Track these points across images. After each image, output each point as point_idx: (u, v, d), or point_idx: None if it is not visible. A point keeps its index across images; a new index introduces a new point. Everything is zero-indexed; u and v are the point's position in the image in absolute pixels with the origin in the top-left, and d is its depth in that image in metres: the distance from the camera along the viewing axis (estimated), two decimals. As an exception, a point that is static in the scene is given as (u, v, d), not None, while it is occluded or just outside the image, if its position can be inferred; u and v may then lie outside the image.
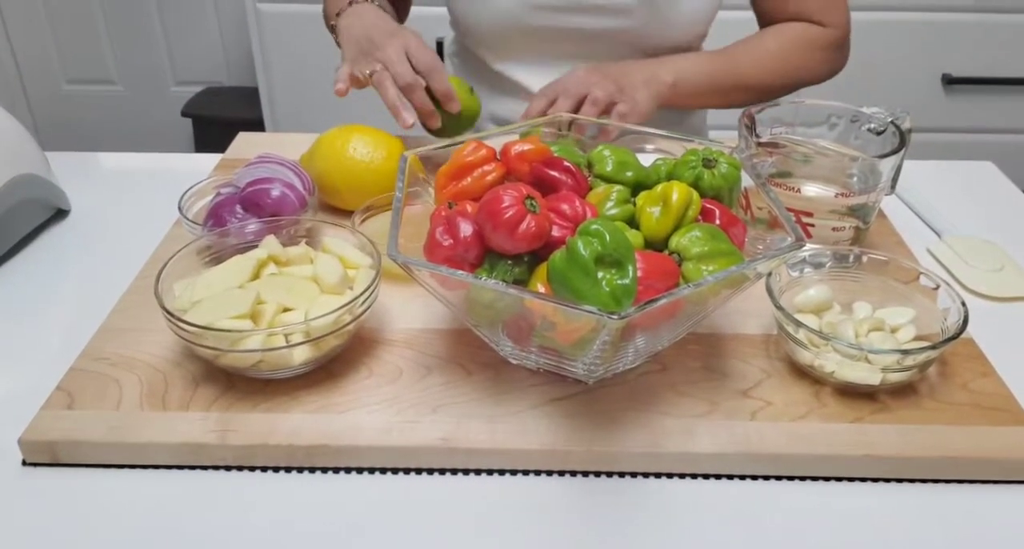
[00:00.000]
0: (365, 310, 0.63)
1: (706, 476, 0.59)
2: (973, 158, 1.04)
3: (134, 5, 2.32)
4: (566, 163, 0.64)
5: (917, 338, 0.65)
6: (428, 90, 0.86)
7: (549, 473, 0.59)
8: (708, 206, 0.62)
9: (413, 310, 0.71)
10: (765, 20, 1.04)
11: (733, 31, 1.03)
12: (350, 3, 0.96)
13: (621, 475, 0.59)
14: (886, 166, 0.75)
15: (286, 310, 0.63)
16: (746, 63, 0.97)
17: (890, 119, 0.78)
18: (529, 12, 0.98)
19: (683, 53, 0.97)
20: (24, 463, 0.59)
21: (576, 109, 0.87)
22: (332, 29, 0.98)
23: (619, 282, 0.52)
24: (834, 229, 0.77)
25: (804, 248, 0.63)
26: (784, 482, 0.58)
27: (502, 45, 1.03)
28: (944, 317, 0.65)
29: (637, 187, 0.65)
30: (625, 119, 0.87)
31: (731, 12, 1.08)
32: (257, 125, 2.04)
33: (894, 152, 0.75)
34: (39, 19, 2.35)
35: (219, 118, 2.26)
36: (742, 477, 0.59)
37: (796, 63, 0.99)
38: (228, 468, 0.59)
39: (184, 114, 2.29)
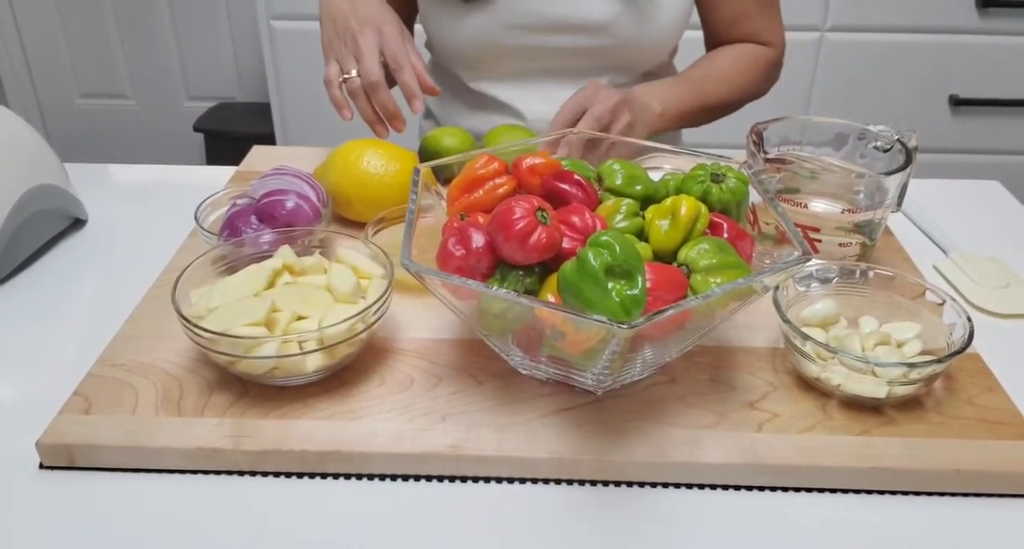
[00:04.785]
0: (377, 319, 0.64)
1: (713, 487, 0.59)
2: (980, 179, 1.05)
3: (148, 21, 2.35)
4: (576, 176, 0.65)
5: (923, 353, 0.66)
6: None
7: (557, 482, 0.59)
8: (716, 220, 0.63)
9: (424, 320, 0.72)
10: (713, 41, 1.09)
11: (696, 49, 1.08)
12: None
13: (628, 485, 0.59)
14: (892, 183, 0.76)
15: (300, 318, 0.64)
16: (711, 86, 1.01)
17: (896, 137, 0.79)
18: (504, 32, 0.97)
19: (657, 80, 0.98)
20: (41, 466, 0.60)
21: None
22: None
23: (628, 292, 0.53)
24: (841, 245, 0.77)
25: (811, 263, 0.64)
26: (790, 493, 0.59)
27: (478, 64, 1.03)
28: (950, 332, 0.65)
29: (646, 201, 0.66)
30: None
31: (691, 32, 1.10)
32: (268, 140, 2.06)
33: (900, 169, 0.76)
34: (54, 34, 2.39)
35: (230, 133, 2.28)
36: (748, 488, 0.59)
37: (749, 80, 1.04)
38: (241, 473, 0.60)
39: (196, 129, 2.32)
